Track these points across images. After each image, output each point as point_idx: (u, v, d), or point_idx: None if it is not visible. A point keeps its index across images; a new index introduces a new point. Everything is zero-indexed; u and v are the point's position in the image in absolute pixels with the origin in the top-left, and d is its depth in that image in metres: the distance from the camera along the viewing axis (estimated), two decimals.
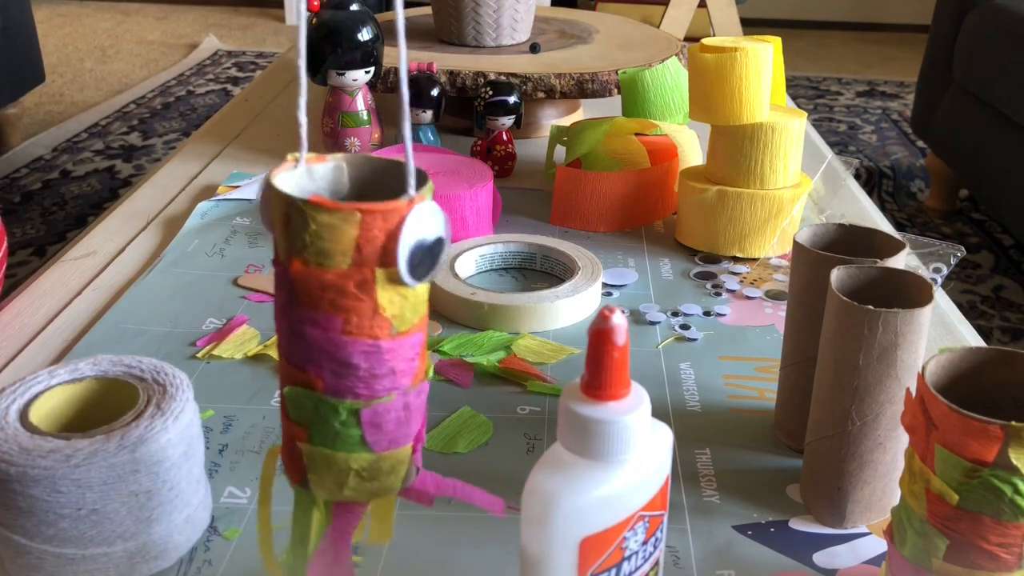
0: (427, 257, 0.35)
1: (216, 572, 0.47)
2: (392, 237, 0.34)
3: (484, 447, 0.57)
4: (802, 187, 0.80)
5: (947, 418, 0.38)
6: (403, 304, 0.36)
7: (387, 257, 0.34)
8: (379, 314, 0.35)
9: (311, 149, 1.07)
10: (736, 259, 0.82)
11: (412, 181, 0.35)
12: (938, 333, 0.72)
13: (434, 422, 0.59)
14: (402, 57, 0.34)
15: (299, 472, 0.38)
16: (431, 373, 0.39)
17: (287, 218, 0.34)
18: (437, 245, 0.35)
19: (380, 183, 0.38)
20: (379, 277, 0.35)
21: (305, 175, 0.37)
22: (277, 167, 0.36)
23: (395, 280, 0.35)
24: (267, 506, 0.41)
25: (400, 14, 0.35)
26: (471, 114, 0.99)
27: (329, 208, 0.33)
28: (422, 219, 0.34)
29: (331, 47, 0.90)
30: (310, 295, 0.35)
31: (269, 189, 0.35)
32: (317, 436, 0.37)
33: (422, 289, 0.36)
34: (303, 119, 0.35)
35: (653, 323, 0.71)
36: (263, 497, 0.41)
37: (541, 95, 1.02)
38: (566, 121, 1.15)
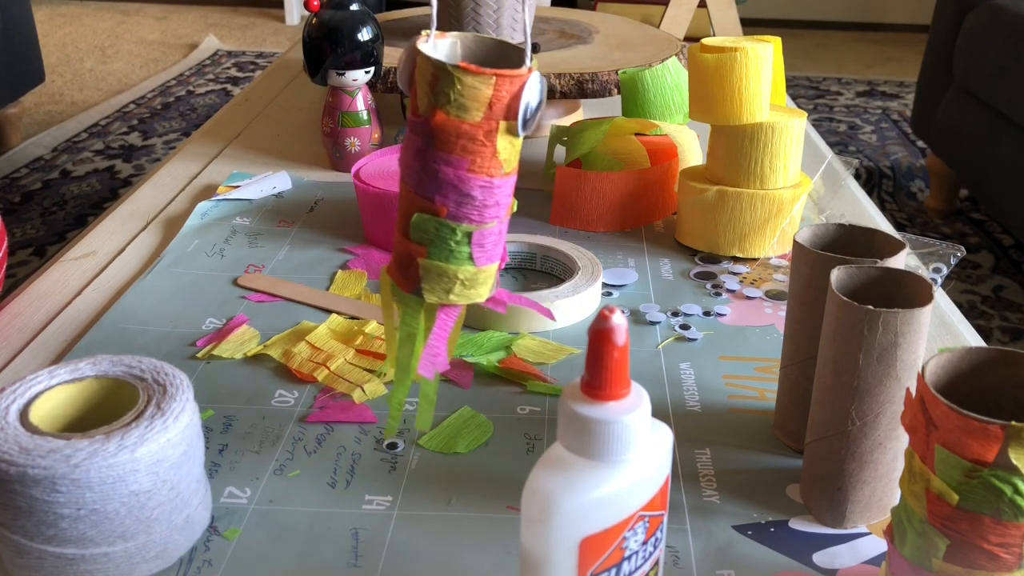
0: (534, 114, 0.45)
1: (216, 572, 0.47)
2: (515, 97, 0.44)
3: (484, 447, 0.57)
4: (802, 187, 0.80)
5: (947, 418, 0.38)
6: (512, 150, 0.46)
7: (510, 112, 0.44)
8: (496, 157, 0.45)
9: (312, 149, 1.07)
10: (736, 259, 0.82)
11: (529, 54, 0.45)
12: (938, 333, 0.72)
13: (434, 422, 0.59)
14: None
15: (413, 283, 0.49)
16: (515, 207, 0.50)
17: (435, 80, 0.44)
18: (540, 106, 0.45)
19: (486, 57, 0.48)
20: (501, 128, 0.44)
21: (432, 47, 0.46)
22: (417, 38, 0.46)
23: (512, 131, 0.45)
24: (390, 313, 0.51)
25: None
26: None
27: (473, 72, 0.43)
28: (535, 84, 0.44)
29: (331, 47, 0.90)
30: (447, 141, 0.45)
31: (415, 55, 0.45)
32: (435, 252, 0.47)
33: (521, 140, 0.46)
34: (435, 4, 0.46)
35: (653, 323, 0.71)
36: (385, 305, 0.51)
37: None
38: (566, 121, 1.15)
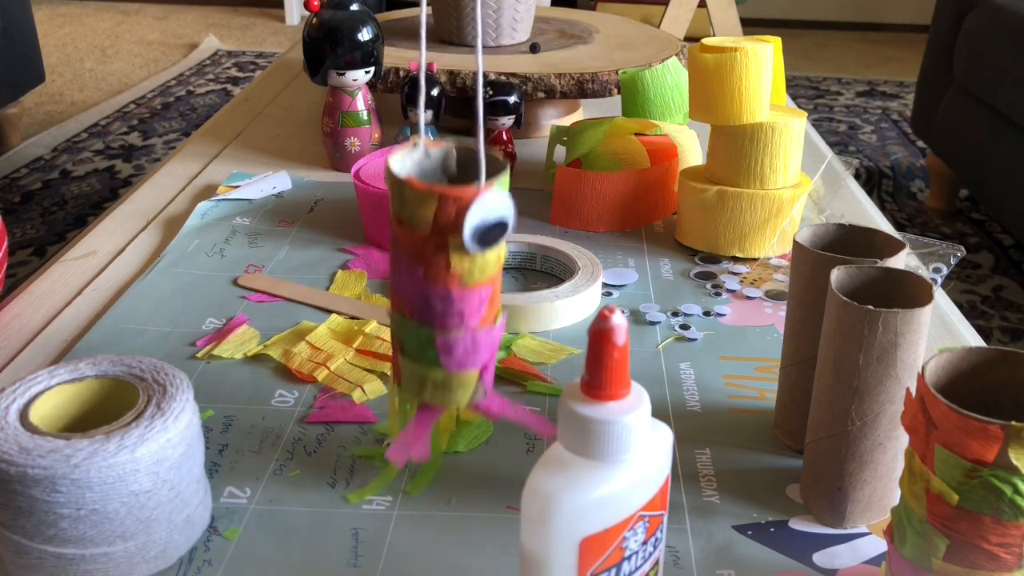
0: (489, 233, 0.44)
1: (216, 572, 0.47)
2: (460, 215, 0.43)
3: (484, 447, 0.57)
4: (802, 187, 0.80)
5: (947, 418, 0.38)
6: (471, 265, 0.45)
7: (456, 231, 0.43)
8: (451, 270, 0.45)
9: (312, 149, 1.07)
10: (736, 259, 0.82)
11: (482, 173, 0.45)
12: (938, 333, 0.72)
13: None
14: (479, 67, 0.44)
15: (398, 376, 0.49)
16: (500, 318, 0.49)
17: (392, 188, 0.45)
18: (499, 225, 0.44)
19: (473, 167, 0.47)
20: (452, 243, 0.44)
21: (424, 154, 0.47)
22: (402, 147, 0.46)
23: (462, 247, 0.44)
24: (392, 399, 0.51)
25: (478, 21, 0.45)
26: (471, 114, 0.99)
27: (416, 188, 0.43)
28: (488, 204, 0.43)
29: (331, 47, 0.90)
30: (405, 247, 0.45)
31: (386, 163, 0.45)
32: (407, 351, 0.48)
33: (490, 256, 0.45)
34: (421, 110, 0.45)
35: (653, 323, 0.71)
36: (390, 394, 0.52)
37: (541, 95, 1.02)
38: (566, 121, 1.15)
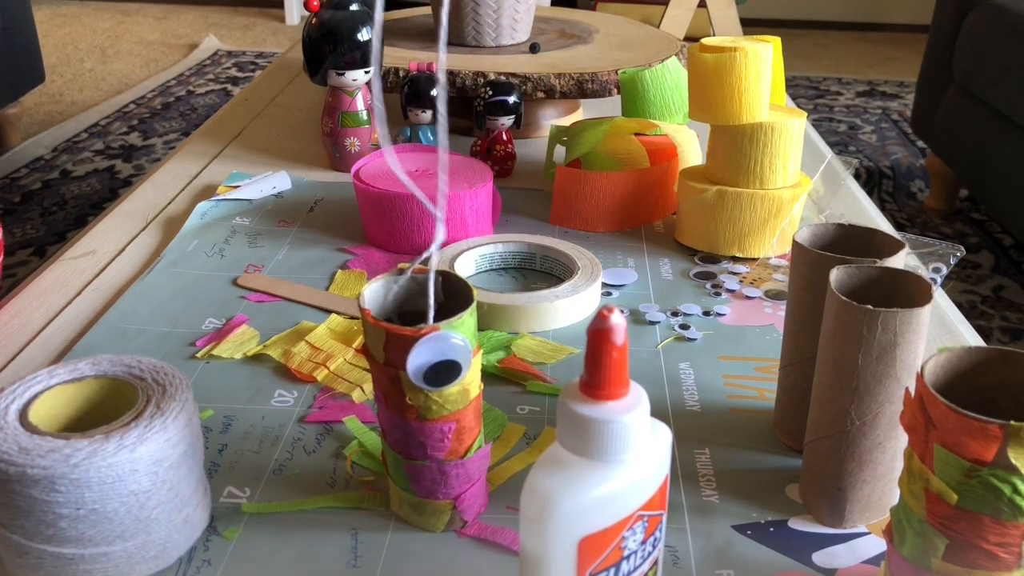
0: (437, 374, 0.44)
1: (215, 572, 0.47)
2: (405, 354, 0.44)
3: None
4: (802, 187, 0.80)
5: (946, 418, 0.38)
6: (427, 400, 0.45)
7: (403, 367, 0.44)
8: (406, 402, 0.46)
9: (312, 149, 1.06)
10: (736, 259, 0.82)
11: (431, 316, 0.45)
12: (938, 333, 0.72)
13: None
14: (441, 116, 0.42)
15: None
16: (474, 450, 0.49)
17: (359, 310, 0.46)
18: (449, 365, 0.44)
19: (460, 295, 0.48)
20: (403, 377, 0.44)
21: (412, 280, 0.48)
22: (392, 272, 0.48)
23: (410, 384, 0.44)
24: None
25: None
26: (471, 114, 0.99)
27: (369, 321, 0.45)
28: (432, 345, 0.43)
29: (331, 47, 0.90)
30: (373, 373, 0.47)
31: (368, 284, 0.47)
32: (388, 469, 0.50)
33: (450, 393, 0.45)
34: (441, 213, 0.44)
35: (653, 323, 0.71)
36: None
37: (541, 95, 1.02)
38: (566, 121, 1.15)
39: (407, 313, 0.48)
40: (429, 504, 0.49)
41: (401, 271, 0.48)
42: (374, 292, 0.47)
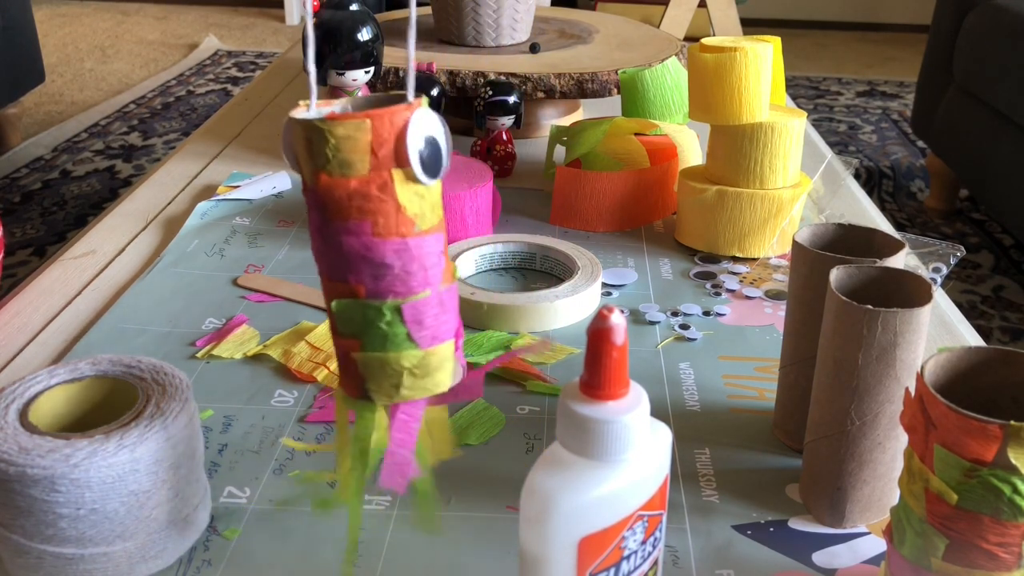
0: (434, 154, 0.39)
1: (215, 572, 0.47)
2: (401, 137, 0.38)
3: (484, 446, 0.57)
4: (802, 187, 0.80)
5: (946, 418, 0.38)
6: (421, 203, 0.39)
7: (400, 157, 0.38)
8: (402, 213, 0.39)
9: None
10: (736, 259, 0.82)
11: (411, 88, 0.39)
12: (938, 333, 0.72)
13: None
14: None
15: (358, 386, 0.41)
16: (456, 274, 0.42)
17: (308, 142, 0.38)
18: (443, 145, 0.39)
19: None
20: (396, 178, 0.38)
21: (315, 116, 0.40)
22: (293, 110, 0.40)
23: (411, 178, 0.39)
24: (343, 431, 0.43)
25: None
26: (471, 114, 0.99)
27: (342, 120, 0.37)
28: (424, 119, 0.38)
29: (331, 47, 0.90)
30: (339, 206, 0.39)
31: (289, 124, 0.39)
32: (368, 342, 0.40)
33: (436, 188, 0.40)
34: (311, 68, 0.40)
35: (653, 323, 0.71)
36: (339, 423, 0.43)
37: (541, 95, 1.02)
38: (566, 121, 1.15)
39: None
40: (435, 354, 0.41)
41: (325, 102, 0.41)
42: (313, 114, 0.40)
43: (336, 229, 0.39)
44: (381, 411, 0.42)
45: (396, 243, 0.39)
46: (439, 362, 0.41)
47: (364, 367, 0.41)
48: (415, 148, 0.38)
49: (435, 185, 0.40)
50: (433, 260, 0.40)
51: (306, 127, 0.38)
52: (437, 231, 0.41)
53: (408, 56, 0.39)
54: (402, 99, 0.40)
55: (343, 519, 0.51)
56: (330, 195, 0.39)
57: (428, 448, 0.44)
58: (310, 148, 0.39)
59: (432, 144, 0.39)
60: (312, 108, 0.41)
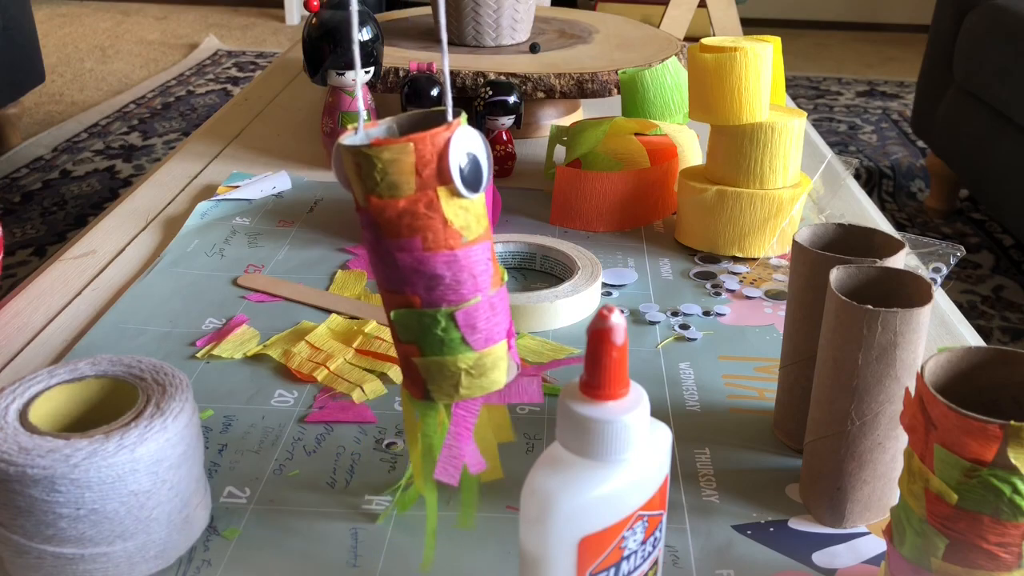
0: (476, 169, 0.41)
1: (215, 572, 0.47)
2: (443, 157, 0.40)
3: None
4: (802, 187, 0.80)
5: (946, 418, 0.38)
6: (467, 215, 0.42)
7: (443, 175, 0.41)
8: (449, 227, 0.42)
9: (312, 149, 1.06)
10: (736, 259, 0.82)
11: (450, 110, 0.42)
12: (938, 333, 0.72)
13: None
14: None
15: (420, 387, 0.45)
16: (505, 277, 0.46)
17: (358, 167, 0.41)
18: (483, 160, 0.42)
19: (426, 127, 0.44)
20: (441, 195, 0.41)
21: (364, 138, 0.44)
22: (343, 133, 0.43)
23: (455, 194, 0.41)
24: (412, 430, 0.47)
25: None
26: (471, 114, 0.99)
27: (387, 145, 0.40)
28: (464, 137, 0.41)
29: (331, 47, 0.90)
30: (390, 225, 0.42)
31: (339, 150, 0.42)
32: (426, 348, 0.43)
33: (479, 200, 0.43)
34: (359, 92, 0.44)
35: (653, 323, 0.71)
36: (408, 424, 0.47)
37: (541, 95, 1.02)
38: (566, 121, 1.15)
39: None
40: (489, 355, 0.44)
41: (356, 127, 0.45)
42: (377, 136, 0.43)
43: (389, 246, 0.42)
44: (443, 409, 0.45)
45: (446, 255, 0.42)
46: (493, 362, 0.44)
47: (424, 370, 0.44)
48: (456, 166, 0.41)
49: (478, 198, 0.43)
50: (481, 267, 0.43)
51: (355, 154, 0.41)
52: (484, 240, 0.43)
53: (443, 79, 0.42)
54: (442, 116, 0.43)
55: (343, 519, 0.51)
56: (381, 215, 0.42)
57: (488, 443, 0.48)
58: (360, 173, 0.41)
59: (473, 160, 0.41)
60: (360, 131, 0.44)
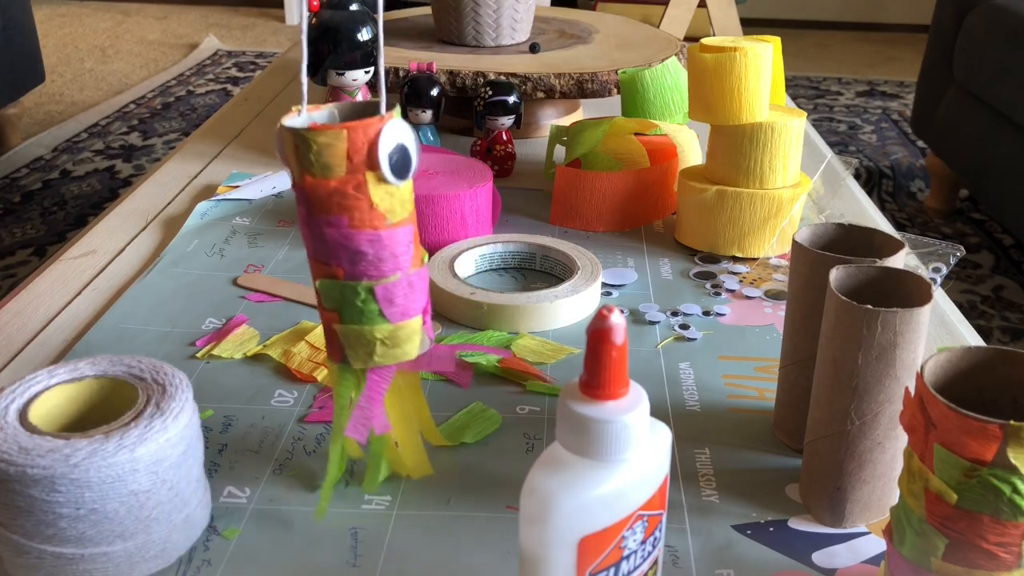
0: (403, 159, 0.45)
1: (215, 572, 0.47)
2: (373, 146, 0.44)
3: (484, 446, 0.57)
4: (802, 187, 0.80)
5: (946, 417, 0.38)
6: (391, 200, 0.46)
7: (372, 161, 0.45)
8: (374, 209, 0.46)
9: None
10: (736, 259, 0.82)
11: (383, 103, 0.46)
12: (938, 333, 0.72)
13: (439, 420, 0.59)
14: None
15: (339, 352, 0.49)
16: (426, 259, 0.50)
17: (296, 147, 0.45)
18: (412, 152, 0.46)
19: (364, 118, 0.47)
20: (369, 179, 0.45)
21: (306, 120, 0.47)
22: (285, 116, 0.46)
23: (382, 180, 0.45)
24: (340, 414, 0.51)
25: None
26: (471, 114, 0.99)
27: (323, 130, 0.44)
28: (394, 129, 0.45)
29: (331, 47, 0.90)
30: (322, 202, 0.45)
31: (281, 130, 0.45)
32: (346, 316, 0.48)
33: (405, 187, 0.47)
34: (304, 78, 0.47)
35: (652, 323, 0.71)
36: (334, 387, 0.51)
37: (541, 95, 1.02)
38: (566, 121, 1.15)
39: None
40: (403, 328, 0.48)
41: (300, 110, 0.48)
42: (296, 123, 0.46)
43: (319, 221, 0.46)
44: (358, 373, 0.49)
45: (369, 234, 0.46)
46: (408, 335, 0.48)
47: (343, 337, 0.48)
48: (385, 155, 0.45)
49: (405, 185, 0.47)
50: (403, 248, 0.47)
51: (294, 134, 0.44)
52: (407, 223, 0.47)
53: (379, 67, 0.46)
54: (378, 108, 0.47)
55: (343, 519, 0.51)
56: (314, 193, 0.45)
57: (397, 409, 0.52)
58: (297, 153, 0.45)
59: (402, 150, 0.45)
60: (303, 113, 0.47)
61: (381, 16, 0.47)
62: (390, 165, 0.45)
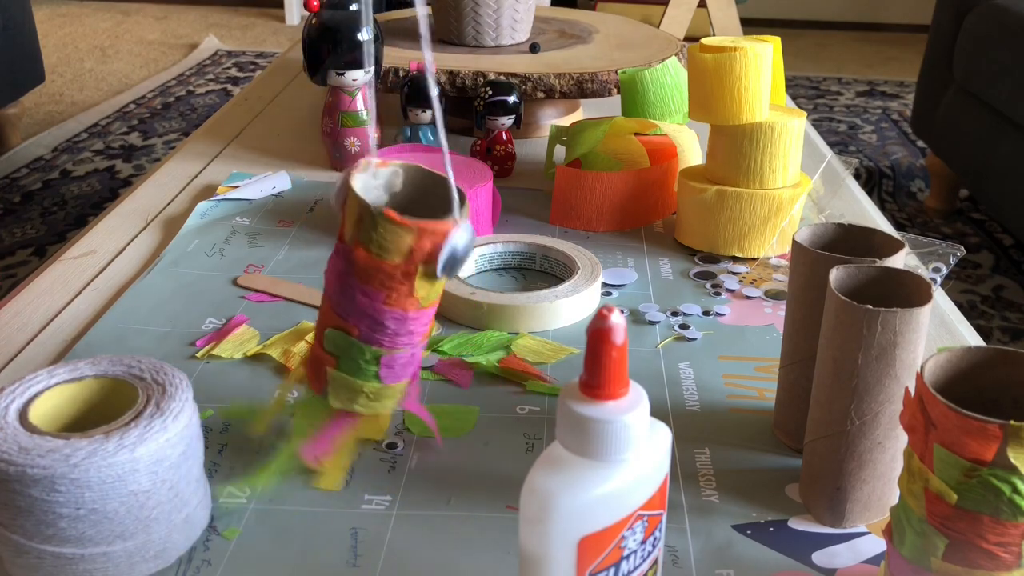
0: (457, 262, 0.47)
1: (215, 572, 0.47)
2: (436, 247, 0.45)
3: (484, 446, 0.57)
4: (802, 187, 0.80)
5: (946, 417, 0.38)
6: (431, 289, 0.47)
7: (429, 260, 0.46)
8: (412, 295, 0.47)
9: (312, 149, 1.06)
10: (736, 259, 0.82)
11: (456, 206, 0.46)
12: (938, 333, 0.72)
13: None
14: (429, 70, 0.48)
15: (322, 386, 0.51)
16: (434, 331, 0.53)
17: (360, 218, 0.45)
18: (465, 254, 0.47)
19: (426, 191, 0.49)
20: (419, 271, 0.46)
21: (371, 175, 0.48)
22: (356, 167, 0.47)
23: (430, 275, 0.46)
24: (286, 390, 0.56)
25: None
26: (471, 114, 0.99)
27: (396, 221, 0.44)
28: (459, 237, 0.46)
29: (331, 47, 0.90)
30: (366, 274, 0.46)
31: (346, 188, 0.46)
32: (344, 366, 0.49)
33: (444, 280, 0.48)
34: (372, 133, 0.48)
35: (652, 323, 0.71)
36: (284, 387, 0.56)
37: (541, 95, 1.02)
38: (566, 121, 1.15)
39: (394, 206, 0.49)
40: (391, 388, 0.50)
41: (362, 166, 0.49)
42: (382, 178, 0.48)
43: (355, 285, 0.47)
44: (331, 408, 0.51)
45: (398, 313, 0.47)
46: (392, 394, 0.50)
47: (332, 380, 0.50)
48: (443, 259, 0.46)
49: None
50: (421, 328, 0.49)
51: (363, 207, 0.45)
52: (433, 306, 0.49)
53: (447, 175, 0.47)
54: (445, 190, 0.47)
55: (343, 519, 0.51)
56: (361, 265, 0.46)
57: (349, 447, 0.53)
58: (360, 222, 0.46)
59: (459, 254, 0.46)
60: (371, 167, 0.48)
61: (430, 67, 0.48)
62: (444, 267, 0.46)
